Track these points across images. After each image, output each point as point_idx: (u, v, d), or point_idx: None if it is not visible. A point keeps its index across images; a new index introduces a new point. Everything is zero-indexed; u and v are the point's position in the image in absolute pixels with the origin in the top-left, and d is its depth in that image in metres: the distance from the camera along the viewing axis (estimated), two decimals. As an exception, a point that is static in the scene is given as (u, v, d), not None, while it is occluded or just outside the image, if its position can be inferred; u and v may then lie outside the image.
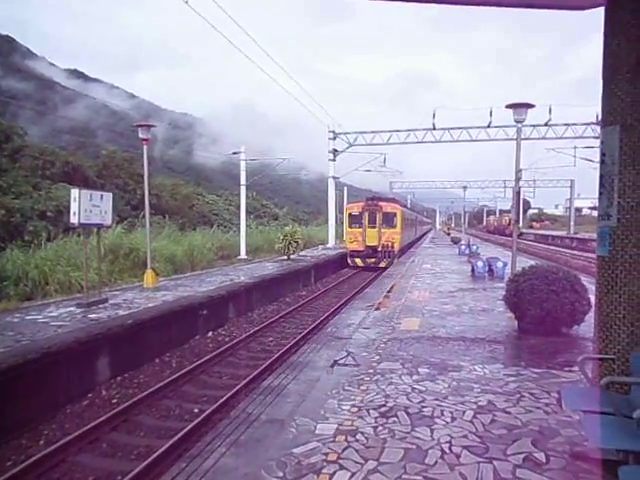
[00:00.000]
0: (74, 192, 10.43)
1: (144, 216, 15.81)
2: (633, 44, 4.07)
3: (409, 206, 48.98)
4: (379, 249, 27.36)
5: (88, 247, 11.62)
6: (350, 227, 28.66)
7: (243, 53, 19.07)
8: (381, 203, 28.86)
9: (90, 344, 8.38)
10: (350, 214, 28.98)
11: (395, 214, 28.52)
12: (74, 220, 10.39)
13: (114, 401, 7.96)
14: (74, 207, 10.30)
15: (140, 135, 14.04)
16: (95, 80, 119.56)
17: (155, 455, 5.85)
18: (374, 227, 27.61)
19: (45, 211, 25.36)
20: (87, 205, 10.53)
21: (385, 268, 24.38)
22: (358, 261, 27.66)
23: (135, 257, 19.17)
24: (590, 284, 9.09)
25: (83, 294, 11.32)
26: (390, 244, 27.48)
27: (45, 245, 17.47)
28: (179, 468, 4.05)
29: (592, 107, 27.92)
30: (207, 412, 7.18)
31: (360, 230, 27.74)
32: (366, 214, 27.74)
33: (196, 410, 7.56)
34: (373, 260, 27.31)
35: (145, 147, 14.22)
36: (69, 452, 6.15)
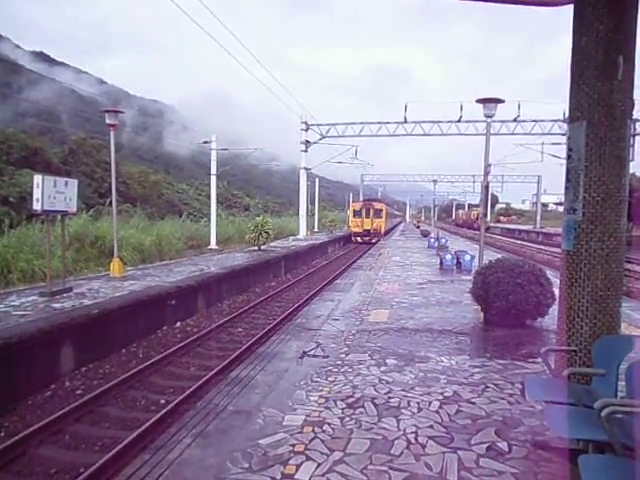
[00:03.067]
0: (37, 178, 10.12)
1: (111, 204, 15.48)
2: (601, 41, 4.13)
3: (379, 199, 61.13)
4: (371, 231, 42.19)
5: (52, 235, 11.31)
6: (354, 217, 43.77)
7: (216, 41, 18.85)
8: (373, 202, 45.57)
9: (53, 334, 8.18)
10: (354, 209, 44.47)
11: (382, 209, 44.04)
12: (37, 207, 10.09)
13: (78, 392, 7.79)
14: (37, 193, 10.00)
15: (107, 121, 13.71)
16: (62, 64, 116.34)
17: (119, 447, 5.76)
18: (369, 217, 42.60)
19: (7, 196, 24.63)
20: (51, 191, 10.24)
21: (375, 243, 36.75)
22: (358, 239, 42.34)
23: (102, 246, 18.82)
24: (555, 277, 9.30)
25: (47, 283, 11.04)
26: (378, 228, 43.00)
27: (8, 232, 16.96)
28: (143, 460, 3.99)
29: (559, 104, 28.54)
30: (173, 403, 7.10)
31: (360, 219, 42.81)
32: (364, 209, 43.15)
33: (162, 401, 7.47)
34: (368, 238, 41.31)
35: (112, 133, 13.89)
36: (30, 444, 5.99)
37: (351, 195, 69.53)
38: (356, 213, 43.54)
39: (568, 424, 3.39)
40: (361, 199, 57.80)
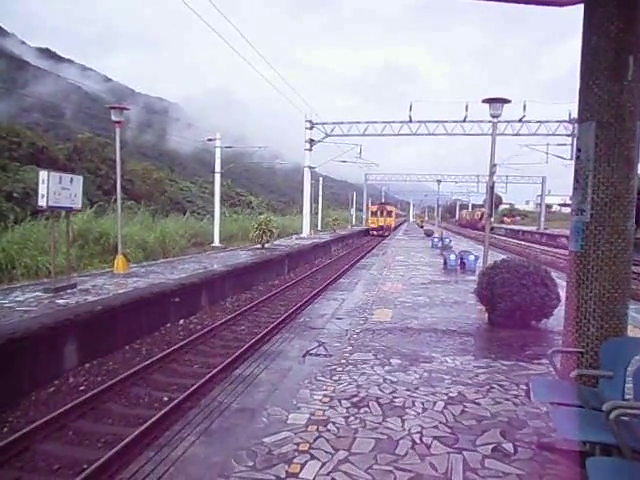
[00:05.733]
0: (42, 174, 10.13)
1: (116, 201, 15.50)
2: (611, 41, 4.10)
3: (383, 200, 75.46)
4: (384, 227, 54.74)
5: (56, 231, 11.32)
6: (371, 217, 57.63)
7: (222, 38, 18.81)
8: (386, 206, 59.02)
9: (57, 330, 8.19)
10: (372, 210, 58.36)
11: (392, 211, 58.27)
12: (42, 203, 10.11)
13: (82, 388, 7.80)
14: (42, 189, 10.01)
15: (113, 118, 13.71)
16: (67, 61, 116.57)
17: (123, 443, 5.76)
18: (382, 217, 55.59)
19: (12, 192, 24.68)
20: (56, 188, 10.24)
21: (387, 236, 48.50)
22: (374, 233, 53.84)
23: (105, 242, 18.87)
24: (559, 279, 9.28)
25: (51, 279, 11.06)
26: (389, 225, 56.35)
27: (12, 228, 17.01)
28: (147, 457, 3.98)
29: (565, 105, 28.43)
30: (177, 400, 7.10)
31: (376, 218, 55.99)
32: (379, 210, 56.34)
33: (166, 398, 7.47)
34: (381, 232, 53.17)
35: (118, 130, 13.90)
36: (33, 440, 6.00)
37: (355, 194, 69.92)
38: (373, 213, 57.56)
39: (575, 426, 3.37)
40: (364, 197, 71.41)
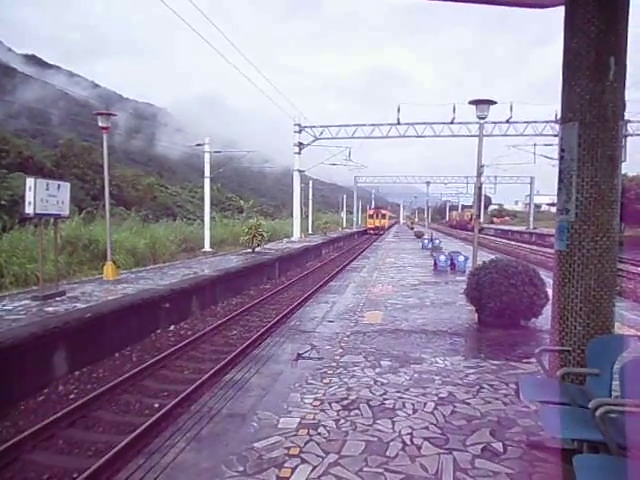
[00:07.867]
0: (29, 181, 10.07)
1: (104, 207, 15.41)
2: (592, 42, 4.15)
3: (373, 202, 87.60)
4: (379, 227, 65.19)
5: (44, 238, 11.24)
6: (368, 219, 68.88)
7: (209, 43, 18.79)
8: (381, 210, 69.78)
9: (46, 338, 8.12)
10: (369, 214, 69.50)
11: (385, 214, 69.56)
12: (29, 210, 10.05)
13: (72, 396, 7.74)
14: (29, 197, 9.96)
15: (100, 124, 13.66)
16: (54, 67, 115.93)
17: (113, 451, 5.72)
18: (378, 219, 66.60)
19: (-1, 200, 24.53)
20: (43, 195, 10.20)
21: (381, 235, 56.56)
22: (371, 232, 63.50)
23: (95, 249, 18.75)
24: (548, 278, 9.33)
25: (39, 287, 10.98)
26: (384, 225, 67.40)
27: (0, 236, 16.86)
28: (137, 464, 3.96)
29: (551, 106, 28.73)
30: (168, 407, 7.06)
31: (373, 220, 66.72)
32: (375, 214, 67.39)
33: (156, 405, 7.43)
34: (377, 231, 62.80)
35: (105, 136, 13.84)
36: (23, 450, 5.94)
37: (345, 197, 70.67)
38: (370, 216, 68.75)
39: (562, 424, 3.40)
40: (354, 200, 76.59)
